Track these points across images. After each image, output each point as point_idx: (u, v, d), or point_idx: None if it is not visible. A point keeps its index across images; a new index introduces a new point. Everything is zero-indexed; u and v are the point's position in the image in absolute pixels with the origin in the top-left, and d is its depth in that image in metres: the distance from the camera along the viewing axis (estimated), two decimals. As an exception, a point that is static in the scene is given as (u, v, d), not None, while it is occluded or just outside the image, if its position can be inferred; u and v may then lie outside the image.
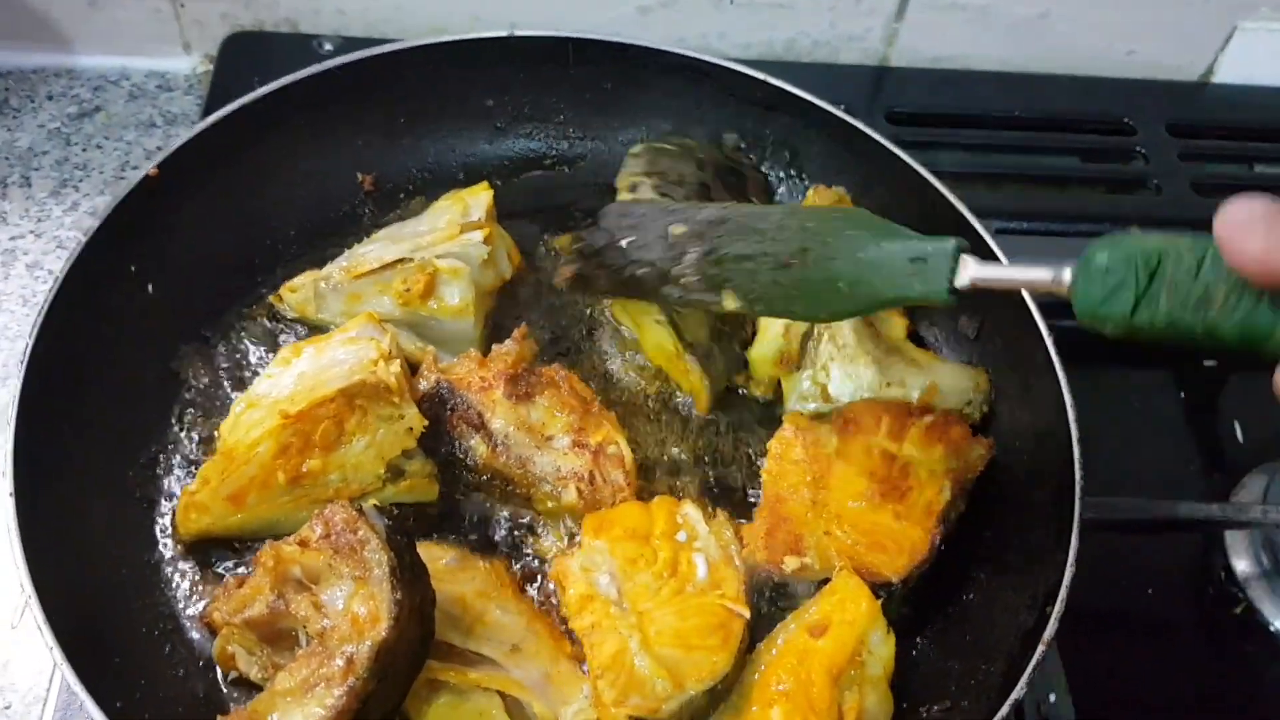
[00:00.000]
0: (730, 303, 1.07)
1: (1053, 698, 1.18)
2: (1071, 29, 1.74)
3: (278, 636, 1.00)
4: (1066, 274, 0.82)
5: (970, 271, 0.92)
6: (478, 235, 1.28)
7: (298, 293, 1.29)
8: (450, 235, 1.28)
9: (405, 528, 1.03)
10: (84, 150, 1.59)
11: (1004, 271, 0.94)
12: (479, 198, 1.33)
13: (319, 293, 1.27)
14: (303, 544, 0.98)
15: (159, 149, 1.57)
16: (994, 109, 1.75)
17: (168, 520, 1.15)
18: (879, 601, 1.06)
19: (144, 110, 1.64)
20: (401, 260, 1.24)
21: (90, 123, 1.62)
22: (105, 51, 1.67)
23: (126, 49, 1.67)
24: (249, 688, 1.04)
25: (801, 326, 1.26)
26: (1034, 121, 1.75)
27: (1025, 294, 1.19)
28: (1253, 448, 1.46)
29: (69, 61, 1.67)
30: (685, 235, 1.09)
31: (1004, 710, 0.94)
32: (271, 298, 1.30)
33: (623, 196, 1.35)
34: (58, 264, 1.44)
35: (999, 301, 1.24)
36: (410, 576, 0.97)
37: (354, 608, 0.94)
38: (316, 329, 1.28)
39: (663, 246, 1.10)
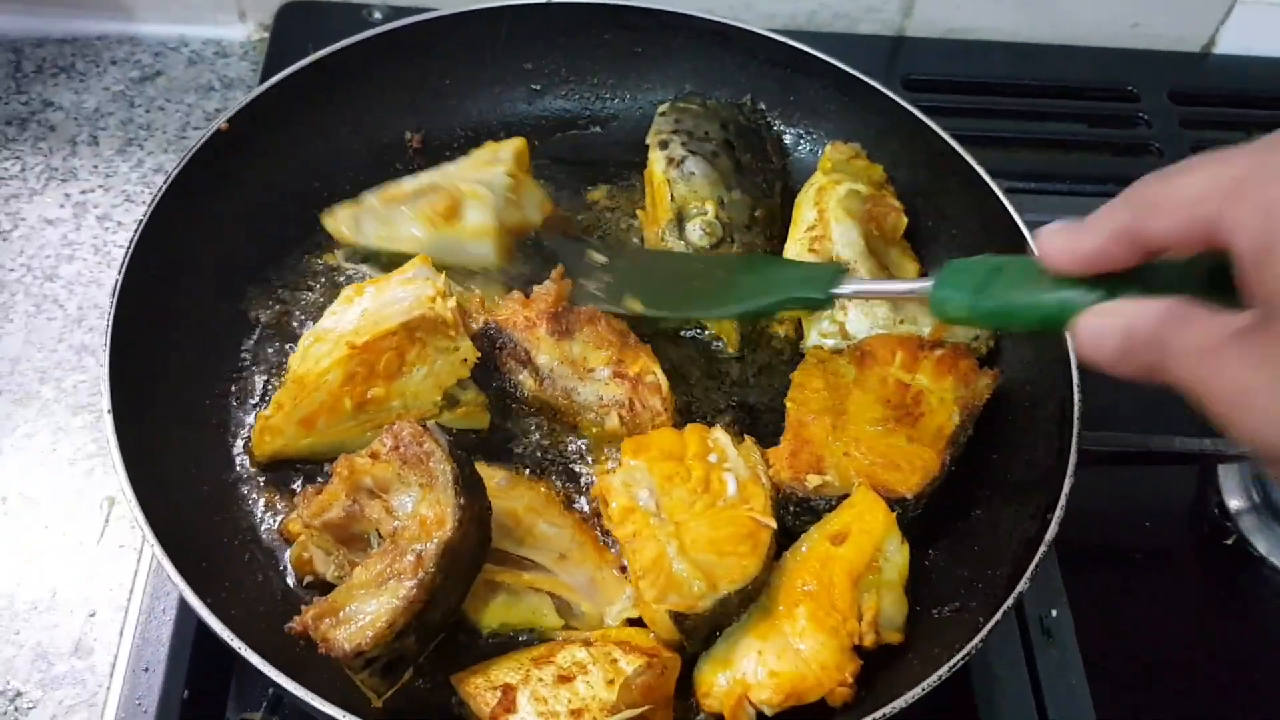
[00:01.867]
0: (634, 306, 1.31)
1: (1054, 613, 1.27)
2: (1079, 2, 1.83)
3: (352, 539, 1.09)
4: (927, 284, 0.99)
5: (852, 285, 1.18)
6: (499, 172, 1.38)
7: (337, 217, 1.38)
8: (476, 167, 1.39)
9: (464, 444, 1.13)
10: (147, 112, 1.69)
11: (877, 284, 1.24)
12: (510, 144, 1.43)
13: (356, 217, 1.37)
14: (373, 456, 1.08)
15: (218, 110, 1.69)
16: (1005, 77, 1.84)
17: (242, 444, 1.25)
18: (894, 514, 1.16)
19: (203, 75, 1.74)
20: (432, 187, 1.35)
21: (152, 86, 1.72)
22: (165, 20, 1.77)
23: (185, 17, 1.77)
24: (322, 590, 1.13)
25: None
26: (1042, 89, 1.84)
27: (1030, 241, 1.28)
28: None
29: (131, 29, 1.77)
30: (599, 261, 1.38)
31: (1009, 602, 1.03)
32: (321, 216, 1.39)
33: (654, 153, 1.45)
34: (126, 216, 1.56)
35: (1006, 247, 1.33)
36: (470, 485, 1.07)
37: (421, 511, 1.04)
38: (367, 260, 1.40)
39: (583, 269, 1.36)
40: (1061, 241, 0.81)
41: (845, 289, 1.17)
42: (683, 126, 1.46)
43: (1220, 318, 0.69)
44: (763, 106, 1.54)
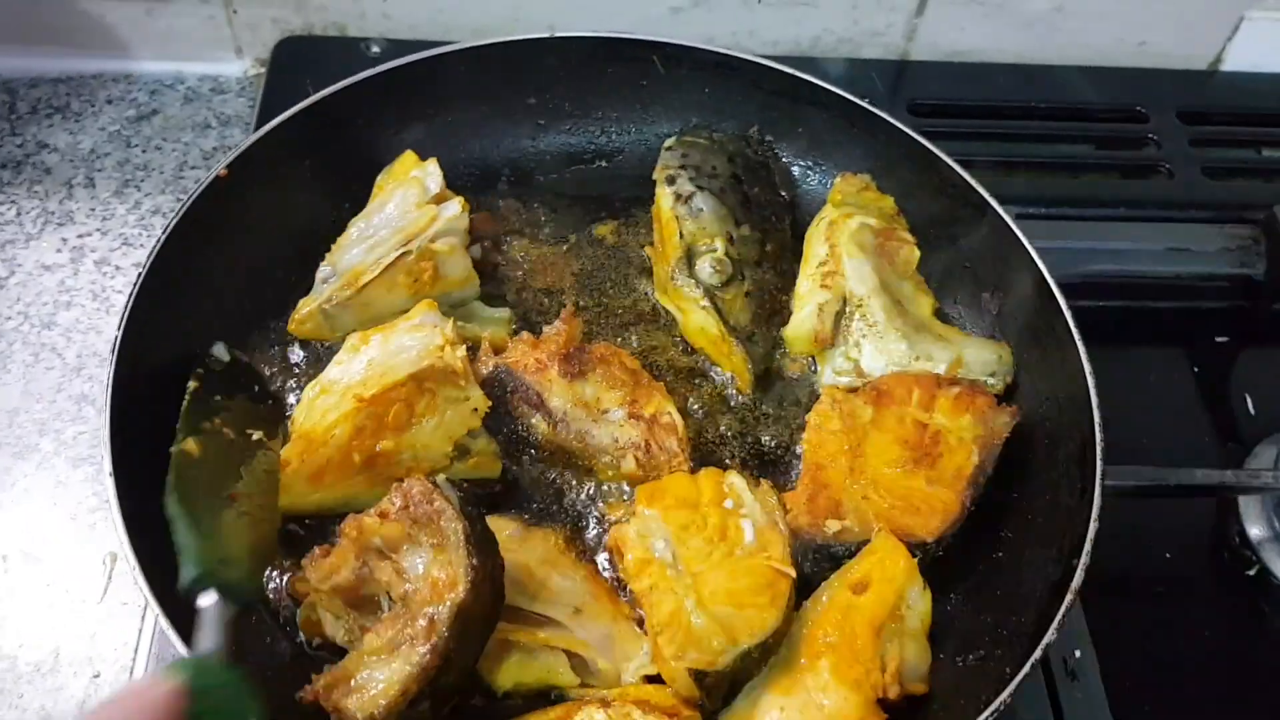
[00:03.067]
0: None
1: (1078, 653, 1.25)
2: (1084, 22, 1.81)
3: (362, 602, 1.07)
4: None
5: None
6: (453, 205, 1.34)
7: (307, 323, 1.32)
8: (429, 217, 1.33)
9: (475, 500, 1.11)
10: (144, 151, 1.67)
11: None
12: (429, 170, 1.39)
13: (328, 315, 1.31)
14: (383, 515, 1.05)
15: (215, 149, 1.67)
16: (1011, 99, 1.82)
17: (246, 497, 1.23)
18: (915, 560, 1.14)
19: (199, 112, 1.72)
20: (401, 256, 1.30)
21: (149, 125, 1.70)
22: (161, 57, 1.75)
23: (181, 54, 1.75)
24: (331, 651, 1.11)
25: (835, 306, 1.33)
26: (1049, 111, 1.82)
27: (1045, 274, 1.27)
28: (1264, 419, 1.53)
29: (126, 67, 1.75)
30: None
31: (1037, 654, 1.01)
32: (290, 328, 1.33)
33: (661, 189, 1.44)
34: (124, 260, 1.54)
35: (1021, 281, 1.31)
36: (482, 543, 1.04)
37: (433, 573, 1.02)
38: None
39: None
40: None
41: None
42: (690, 161, 1.44)
43: None
44: (769, 139, 1.52)
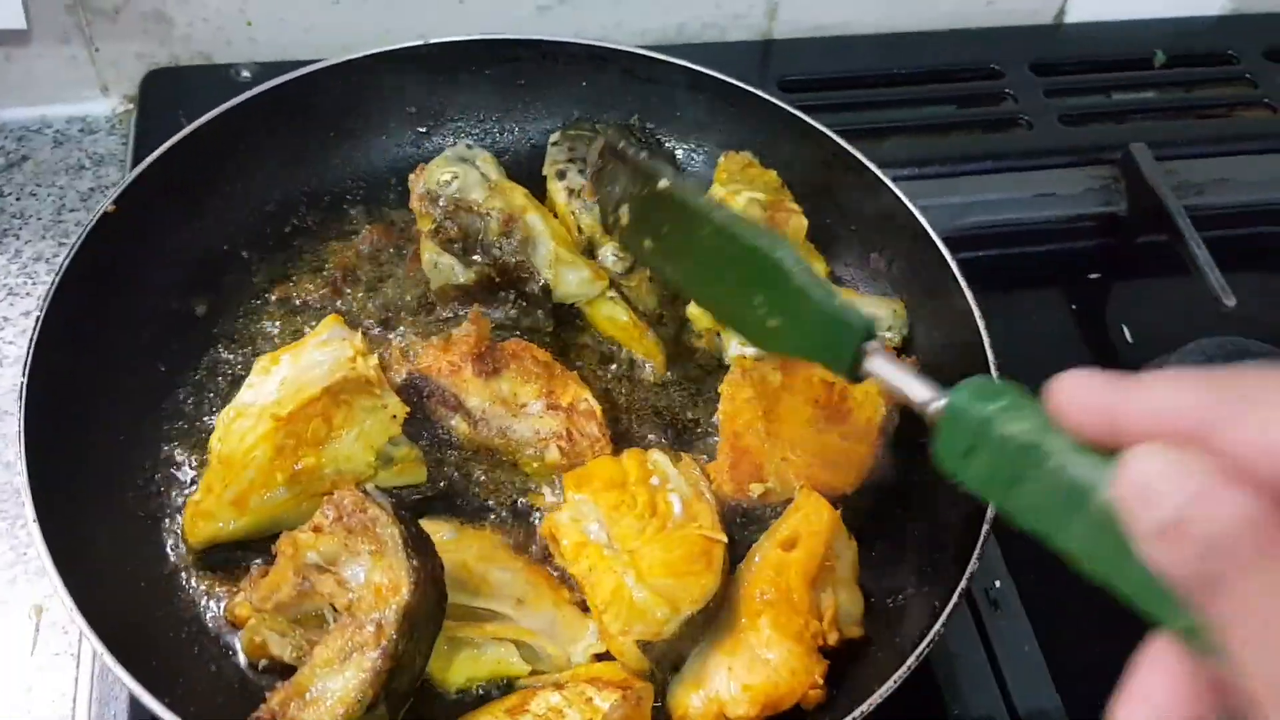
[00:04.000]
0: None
1: (998, 583, 1.31)
2: (934, -13, 1.89)
3: (306, 617, 1.07)
4: (940, 404, 0.76)
5: (873, 366, 0.89)
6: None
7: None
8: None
9: (405, 506, 1.12)
10: (17, 199, 1.63)
11: (897, 379, 0.85)
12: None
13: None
14: (317, 530, 1.06)
15: (91, 190, 1.64)
16: (874, 68, 1.89)
17: (174, 533, 1.21)
18: (838, 512, 1.18)
19: (71, 154, 1.68)
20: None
21: (20, 172, 1.66)
22: (24, 102, 1.71)
23: (45, 97, 1.71)
24: (279, 672, 1.10)
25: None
26: (911, 76, 1.89)
27: (929, 230, 1.33)
28: (1141, 346, 1.62)
29: (-12, 116, 1.71)
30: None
31: (962, 584, 1.06)
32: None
33: (552, 184, 1.46)
34: (11, 310, 1.51)
35: (905, 237, 1.37)
36: (420, 544, 1.06)
37: (375, 579, 1.02)
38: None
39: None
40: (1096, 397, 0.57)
41: (868, 369, 0.90)
42: (577, 154, 1.47)
43: None
44: (650, 125, 1.56)
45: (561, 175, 1.45)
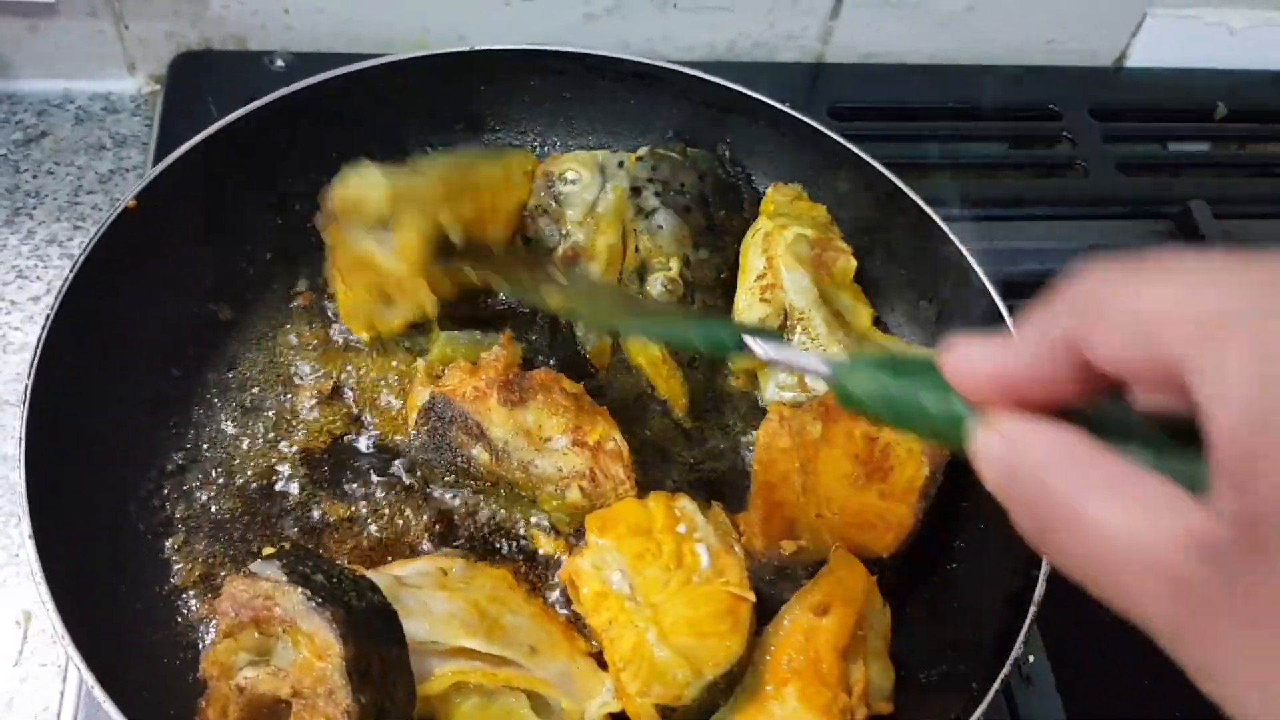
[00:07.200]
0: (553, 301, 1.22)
1: (1031, 658, 1.26)
2: (995, 21, 1.82)
3: (270, 715, 1.00)
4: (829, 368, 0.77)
5: (754, 345, 0.92)
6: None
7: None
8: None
9: (305, 550, 1.04)
10: (34, 177, 1.57)
11: (784, 354, 0.94)
12: None
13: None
14: (229, 635, 0.99)
15: (111, 171, 1.58)
16: (926, 100, 1.82)
17: (176, 550, 1.16)
18: (874, 578, 1.12)
19: (92, 133, 1.62)
20: None
21: (38, 148, 1.60)
22: (48, 75, 1.64)
23: (70, 72, 1.65)
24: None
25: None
26: (964, 110, 1.83)
27: (985, 281, 1.27)
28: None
29: (10, 87, 1.64)
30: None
31: (1005, 669, 1.00)
32: None
33: (623, 195, 1.39)
34: (20, 294, 1.45)
35: (957, 285, 1.31)
36: (332, 592, 0.97)
37: (303, 652, 0.96)
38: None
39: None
40: (973, 356, 0.59)
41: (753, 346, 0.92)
42: (659, 175, 1.40)
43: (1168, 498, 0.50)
44: (696, 148, 1.49)
45: (637, 192, 1.38)
